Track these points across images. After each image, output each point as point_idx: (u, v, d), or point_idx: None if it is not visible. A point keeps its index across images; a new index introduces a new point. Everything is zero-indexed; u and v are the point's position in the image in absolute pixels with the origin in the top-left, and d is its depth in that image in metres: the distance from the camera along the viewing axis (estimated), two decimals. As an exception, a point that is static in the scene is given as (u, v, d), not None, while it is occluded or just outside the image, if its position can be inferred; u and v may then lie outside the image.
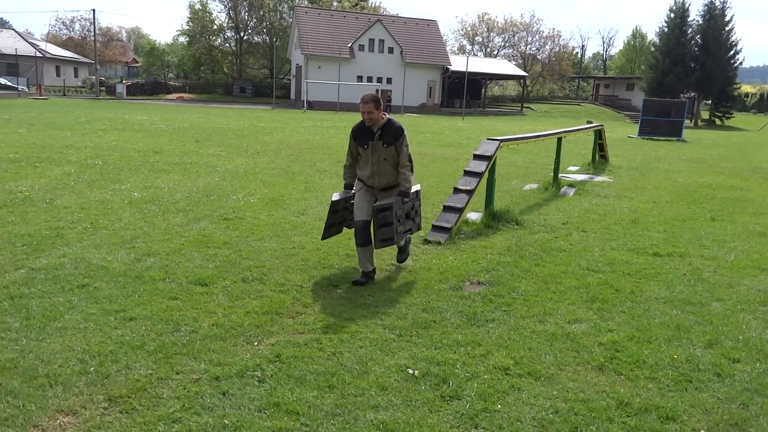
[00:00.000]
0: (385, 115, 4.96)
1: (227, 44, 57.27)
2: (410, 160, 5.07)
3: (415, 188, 5.29)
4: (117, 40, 68.78)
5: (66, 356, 3.39)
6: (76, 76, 58.65)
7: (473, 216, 7.29)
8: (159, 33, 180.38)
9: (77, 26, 62.42)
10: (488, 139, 7.48)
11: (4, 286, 4.42)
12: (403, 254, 5.41)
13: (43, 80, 47.25)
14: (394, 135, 4.90)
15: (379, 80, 44.19)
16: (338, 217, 5.28)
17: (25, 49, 51.02)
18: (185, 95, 50.60)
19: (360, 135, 5.02)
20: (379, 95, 5.06)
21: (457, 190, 6.81)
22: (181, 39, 58.47)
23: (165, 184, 9.02)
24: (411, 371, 3.38)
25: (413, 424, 2.87)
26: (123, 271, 4.89)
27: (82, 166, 10.20)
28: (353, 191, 5.17)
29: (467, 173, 7.01)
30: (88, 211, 6.97)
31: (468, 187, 6.76)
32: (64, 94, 45.87)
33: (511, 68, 53.64)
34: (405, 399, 3.10)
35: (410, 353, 3.63)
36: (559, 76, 65.79)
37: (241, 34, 56.05)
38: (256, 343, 3.69)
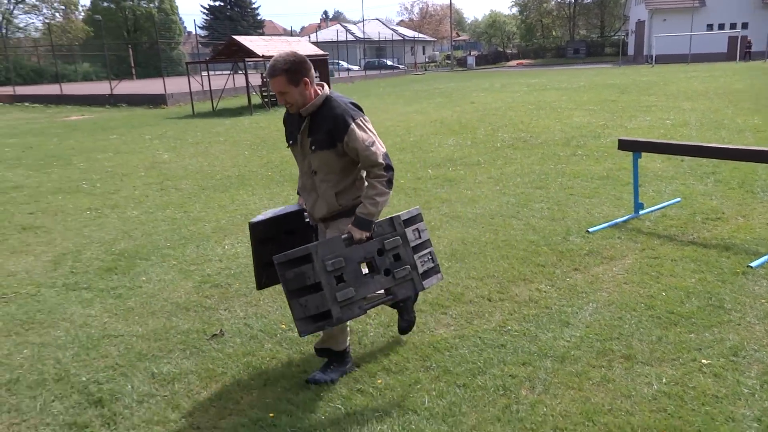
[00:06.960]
0: (322, 89, 2.83)
1: (561, 9, 60.33)
2: (385, 167, 2.77)
3: (400, 214, 2.95)
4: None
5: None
6: (423, 53, 68.94)
7: None
8: (469, 8, 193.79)
9: (416, 9, 73.07)
10: None
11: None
12: (404, 317, 3.33)
13: (404, 59, 57.34)
14: (329, 131, 2.77)
15: (733, 26, 42.04)
16: (269, 250, 2.94)
17: (386, 33, 62.37)
18: (524, 61, 55.46)
19: (288, 122, 3.02)
20: (295, 59, 2.68)
21: None
22: (514, 10, 63.83)
23: (652, 117, 12.70)
24: None
25: None
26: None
27: (583, 110, 14.55)
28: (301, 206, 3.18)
29: None
30: (651, 132, 10.94)
31: None
32: (425, 70, 54.86)
33: None
34: None
35: None
36: None
37: (575, -4, 58.50)
38: None
